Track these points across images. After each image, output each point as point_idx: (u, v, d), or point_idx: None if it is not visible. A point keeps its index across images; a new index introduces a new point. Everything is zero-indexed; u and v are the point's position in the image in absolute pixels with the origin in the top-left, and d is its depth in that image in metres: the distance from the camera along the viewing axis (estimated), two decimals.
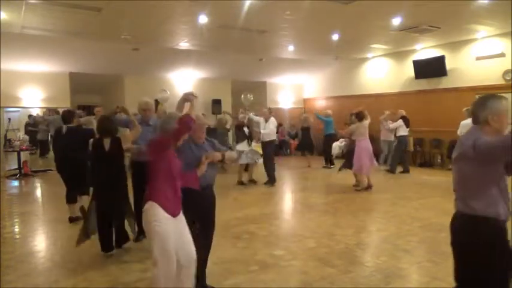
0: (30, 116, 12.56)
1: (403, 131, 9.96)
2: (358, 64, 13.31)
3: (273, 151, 8.87)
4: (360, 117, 7.89)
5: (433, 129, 10.76)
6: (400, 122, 9.96)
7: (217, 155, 3.16)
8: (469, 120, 7.97)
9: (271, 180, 8.48)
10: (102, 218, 4.28)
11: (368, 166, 7.80)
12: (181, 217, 2.87)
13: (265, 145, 8.52)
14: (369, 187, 7.78)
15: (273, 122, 8.72)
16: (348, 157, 8.33)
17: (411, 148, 11.51)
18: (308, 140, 11.91)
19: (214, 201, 3.34)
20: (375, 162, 8.19)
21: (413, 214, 5.96)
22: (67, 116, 5.79)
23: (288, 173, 10.58)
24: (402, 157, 10.08)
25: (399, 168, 9.93)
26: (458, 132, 7.71)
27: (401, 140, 10.00)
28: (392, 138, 10.40)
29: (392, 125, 10.12)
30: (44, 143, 12.40)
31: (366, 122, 7.91)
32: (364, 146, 7.78)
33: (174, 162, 2.82)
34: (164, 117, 3.06)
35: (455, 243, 2.46)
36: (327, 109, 12.77)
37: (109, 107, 8.66)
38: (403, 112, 10.11)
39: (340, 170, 8.58)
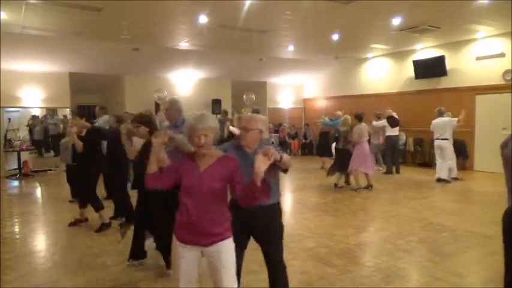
0: (33, 116, 12.71)
1: (390, 131, 9.80)
2: (358, 64, 13.32)
3: None
4: (360, 118, 7.90)
5: None
6: (383, 122, 9.79)
7: (275, 153, 2.20)
8: (438, 119, 8.56)
9: None
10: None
11: (372, 166, 7.95)
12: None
13: None
14: (370, 186, 7.84)
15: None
16: (342, 160, 7.95)
17: (411, 148, 11.52)
18: (327, 144, 11.57)
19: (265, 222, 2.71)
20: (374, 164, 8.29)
21: (413, 214, 5.96)
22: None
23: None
24: (392, 158, 9.93)
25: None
26: (431, 128, 8.80)
27: (388, 140, 9.88)
28: (377, 139, 10.10)
29: (375, 123, 9.89)
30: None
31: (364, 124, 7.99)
32: (366, 147, 7.85)
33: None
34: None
35: (505, 241, 2.23)
36: (327, 109, 12.74)
37: (109, 107, 8.67)
38: (389, 112, 9.83)
39: (330, 175, 8.19)
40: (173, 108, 4.11)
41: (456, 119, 8.44)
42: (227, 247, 2.30)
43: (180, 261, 2.32)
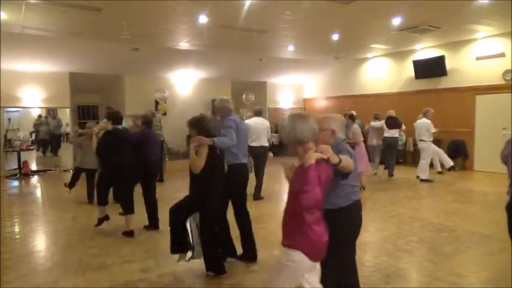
0: (39, 115, 12.81)
1: (386, 133, 9.62)
2: (358, 64, 13.31)
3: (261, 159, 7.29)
4: (353, 118, 7.91)
5: None
6: (381, 122, 9.64)
7: (330, 153, 2.18)
8: (423, 120, 8.66)
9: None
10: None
11: (368, 167, 8.06)
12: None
13: (256, 152, 7.10)
14: (362, 187, 7.81)
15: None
16: None
17: (411, 148, 11.50)
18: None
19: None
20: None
21: (413, 214, 5.96)
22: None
23: None
24: (388, 159, 9.76)
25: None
26: (415, 124, 8.93)
27: (384, 141, 9.67)
28: (374, 140, 9.81)
29: (372, 124, 9.77)
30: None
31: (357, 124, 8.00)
32: (363, 147, 7.93)
33: None
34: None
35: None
36: (327, 109, 12.65)
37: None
38: (390, 113, 9.71)
39: None
40: (225, 107, 3.94)
41: (434, 130, 8.64)
42: (283, 259, 2.17)
43: None
